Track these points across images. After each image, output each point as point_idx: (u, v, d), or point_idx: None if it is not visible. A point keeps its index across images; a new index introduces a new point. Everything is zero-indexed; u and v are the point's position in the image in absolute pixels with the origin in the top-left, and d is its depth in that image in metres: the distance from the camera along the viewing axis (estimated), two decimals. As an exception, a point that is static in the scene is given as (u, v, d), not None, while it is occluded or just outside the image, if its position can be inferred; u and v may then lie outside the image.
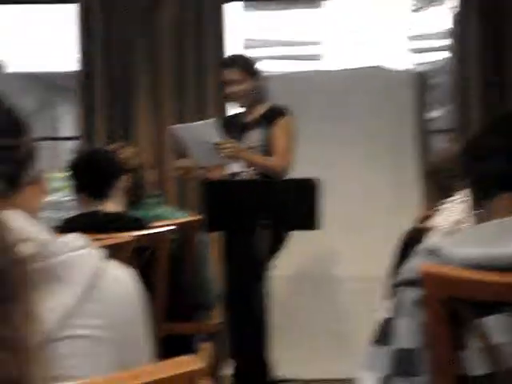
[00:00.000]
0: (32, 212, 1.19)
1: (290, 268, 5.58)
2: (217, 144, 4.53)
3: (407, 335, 1.57)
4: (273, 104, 4.90)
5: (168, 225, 3.32)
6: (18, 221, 1.12)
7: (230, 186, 4.64)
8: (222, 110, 5.60)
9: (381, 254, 5.31)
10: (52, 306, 1.04)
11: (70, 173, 3.38)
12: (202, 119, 5.57)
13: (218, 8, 5.61)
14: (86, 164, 3.33)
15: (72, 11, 5.64)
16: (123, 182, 3.39)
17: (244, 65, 4.77)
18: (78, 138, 5.77)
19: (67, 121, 12.04)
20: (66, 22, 5.88)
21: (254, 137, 4.79)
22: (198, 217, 3.94)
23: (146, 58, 5.57)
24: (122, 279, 1.17)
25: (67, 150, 10.13)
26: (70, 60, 5.73)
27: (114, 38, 5.57)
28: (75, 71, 5.66)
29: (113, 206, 3.31)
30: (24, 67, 9.15)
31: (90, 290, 1.09)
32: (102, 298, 1.11)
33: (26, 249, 1.06)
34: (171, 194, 5.57)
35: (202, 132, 4.53)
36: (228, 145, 4.51)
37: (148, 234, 3.11)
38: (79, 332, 1.07)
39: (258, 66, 4.86)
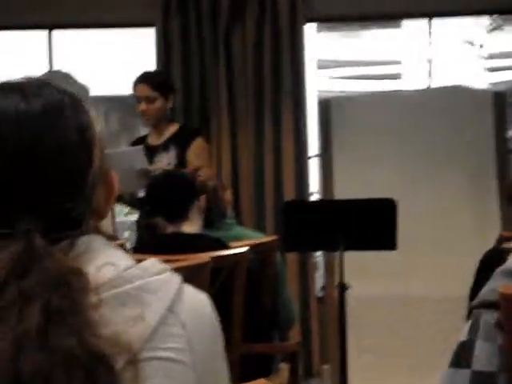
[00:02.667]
0: (103, 214, 1.21)
1: (367, 288, 5.54)
2: (143, 170, 4.40)
3: (485, 358, 1.54)
4: (183, 124, 4.85)
5: (246, 245, 3.33)
6: (98, 245, 1.14)
7: (309, 205, 4.65)
8: (298, 128, 5.60)
9: (460, 275, 5.26)
10: (132, 329, 1.06)
11: (148, 194, 3.42)
12: (278, 141, 5.60)
13: (295, 29, 5.62)
14: (164, 186, 3.36)
15: (151, 35, 5.72)
16: (200, 203, 3.41)
17: (156, 83, 4.69)
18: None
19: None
20: (146, 45, 5.97)
21: (166, 159, 4.67)
22: (274, 237, 3.94)
23: (224, 81, 5.61)
24: (199, 304, 1.19)
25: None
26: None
27: (192, 61, 5.63)
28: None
29: (190, 227, 3.34)
30: (106, 91, 9.32)
31: (170, 314, 1.11)
32: (181, 321, 1.12)
33: (106, 273, 1.08)
34: (248, 214, 5.59)
35: (129, 158, 4.42)
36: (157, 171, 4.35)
37: (226, 255, 3.13)
38: (160, 354, 1.08)
39: (172, 84, 4.82)
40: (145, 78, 4.69)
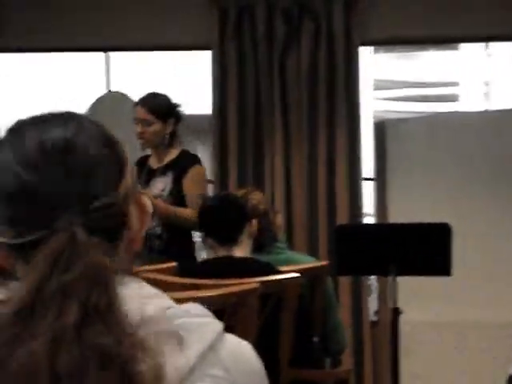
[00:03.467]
0: (138, 240, 1.21)
1: (421, 314, 5.48)
2: None
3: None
4: (183, 150, 4.76)
5: (297, 270, 3.32)
6: (138, 284, 1.15)
7: (361, 229, 4.64)
8: (353, 150, 5.58)
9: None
10: (172, 364, 1.06)
11: (200, 217, 3.43)
12: (333, 163, 5.58)
13: (350, 52, 5.61)
14: (216, 209, 3.38)
15: (208, 57, 5.76)
16: (251, 227, 3.42)
17: (154, 106, 4.62)
18: (212, 182, 5.86)
19: (206, 163, 12.27)
20: (202, 66, 6.01)
21: (161, 184, 4.62)
22: (325, 262, 3.92)
23: (279, 104, 5.62)
24: (242, 350, 1.18)
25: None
26: (205, 104, 5.85)
27: (247, 84, 5.65)
28: (210, 115, 5.77)
29: (240, 251, 3.35)
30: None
31: (210, 354, 1.10)
32: (223, 364, 1.12)
33: (146, 310, 1.09)
34: (301, 238, 5.58)
35: None
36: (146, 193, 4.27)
37: (276, 280, 3.12)
38: None
39: (176, 108, 4.70)
40: (143, 101, 4.65)
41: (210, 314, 1.15)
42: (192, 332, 1.09)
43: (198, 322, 1.11)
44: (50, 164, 1.10)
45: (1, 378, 0.96)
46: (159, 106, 4.63)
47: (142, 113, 4.60)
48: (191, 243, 4.70)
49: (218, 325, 1.14)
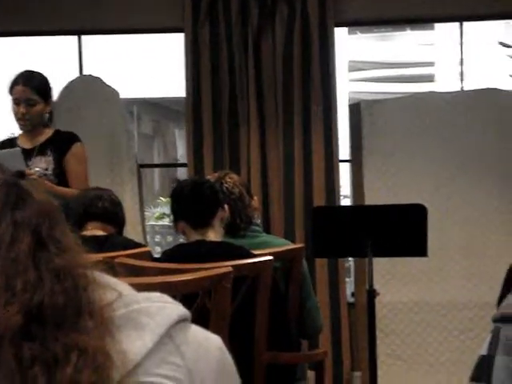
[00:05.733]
0: None
1: (398, 295, 5.49)
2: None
3: (505, 375, 1.50)
4: (57, 129, 4.66)
5: (270, 253, 3.30)
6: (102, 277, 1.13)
7: (338, 211, 4.63)
8: (328, 132, 5.57)
9: (491, 281, 5.20)
10: (126, 350, 1.03)
11: (173, 200, 3.41)
12: (308, 145, 5.57)
13: (325, 34, 5.58)
14: (189, 193, 3.35)
15: (180, 39, 5.72)
16: (225, 211, 3.40)
17: (37, 86, 4.49)
18: (186, 165, 5.83)
19: (180, 146, 12.23)
20: (175, 49, 5.97)
21: (44, 163, 4.51)
22: (299, 245, 3.90)
23: (254, 86, 5.59)
24: (207, 342, 1.15)
25: (180, 176, 10.29)
26: (180, 86, 5.81)
27: (221, 66, 5.62)
28: (184, 97, 5.74)
29: (213, 235, 3.33)
30: (137, 93, 9.37)
31: (167, 340, 1.08)
32: (179, 350, 1.09)
33: (107, 296, 1.07)
34: (277, 221, 5.57)
35: (7, 160, 4.06)
36: (34, 175, 4.16)
37: (249, 263, 3.10)
38: (152, 379, 1.05)
39: (52, 88, 4.60)
40: (25, 80, 4.48)
41: (172, 301, 1.12)
42: (151, 316, 1.07)
43: (157, 306, 1.09)
44: None
45: None
46: (42, 85, 4.51)
47: (26, 92, 4.44)
48: None
49: (179, 310, 1.11)
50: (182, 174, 9.74)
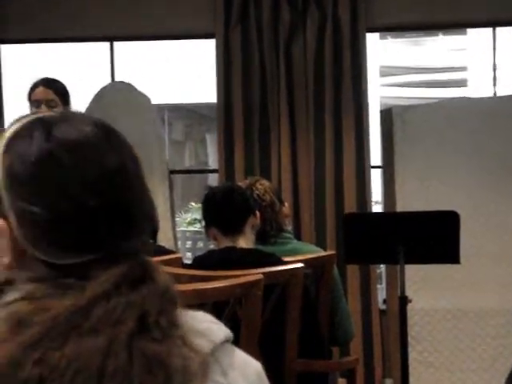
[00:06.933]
0: None
1: (431, 302, 5.45)
2: None
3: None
4: None
5: (301, 260, 3.29)
6: None
7: (369, 217, 4.60)
8: (360, 138, 5.55)
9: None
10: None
11: (204, 207, 3.40)
12: (340, 151, 5.54)
13: (357, 39, 5.56)
14: (220, 200, 3.34)
15: (212, 45, 5.73)
16: (256, 218, 3.39)
17: (58, 88, 4.50)
18: (217, 171, 5.83)
19: (211, 151, 12.25)
20: (207, 55, 5.98)
21: None
22: (330, 252, 3.88)
23: (285, 92, 5.57)
24: (249, 365, 1.18)
25: (211, 181, 10.30)
26: (212, 92, 5.81)
27: (252, 71, 5.61)
28: (216, 103, 5.74)
29: (244, 241, 3.32)
30: (169, 99, 9.40)
31: (214, 362, 1.11)
32: (222, 368, 1.12)
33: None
34: (308, 227, 5.54)
35: None
36: None
37: (280, 270, 3.09)
38: None
39: (70, 96, 4.58)
40: (46, 82, 4.50)
41: (216, 321, 1.16)
42: (199, 336, 1.10)
43: (204, 327, 1.12)
44: (112, 189, 1.11)
45: (46, 371, 0.98)
46: (62, 88, 4.53)
47: (47, 93, 4.45)
48: None
49: (225, 331, 1.15)
50: (213, 179, 9.76)
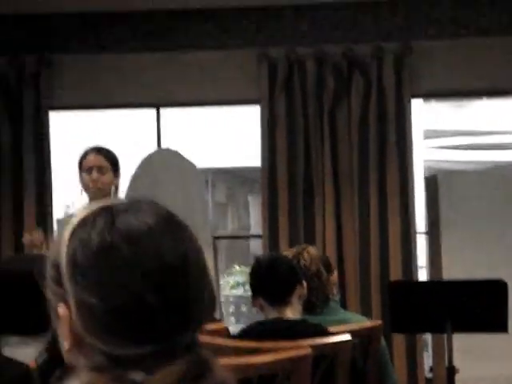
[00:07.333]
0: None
1: (479, 371, 5.36)
2: None
3: None
4: None
5: (348, 331, 3.26)
6: None
7: (415, 286, 4.56)
8: (405, 204, 5.52)
9: None
10: None
11: (251, 277, 3.40)
12: (384, 216, 5.52)
13: (401, 105, 5.58)
14: (267, 269, 3.34)
15: (257, 111, 5.78)
16: (302, 288, 3.37)
17: (109, 155, 4.53)
18: (261, 237, 5.83)
19: (255, 213, 12.28)
20: (252, 120, 6.03)
21: None
22: (378, 321, 3.84)
23: (329, 159, 5.59)
24: None
25: (254, 245, 10.30)
26: (254, 155, 5.86)
27: (296, 138, 5.65)
28: (258, 167, 5.78)
29: (291, 312, 3.29)
30: (211, 163, 9.48)
31: None
32: None
33: None
34: (353, 295, 5.50)
35: None
36: None
37: (329, 343, 3.06)
38: None
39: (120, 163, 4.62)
40: (97, 149, 4.56)
41: None
42: None
43: None
44: (172, 285, 1.12)
45: None
46: (113, 156, 4.58)
47: (98, 159, 4.50)
48: None
49: None
50: (256, 243, 9.77)
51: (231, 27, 5.79)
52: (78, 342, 1.13)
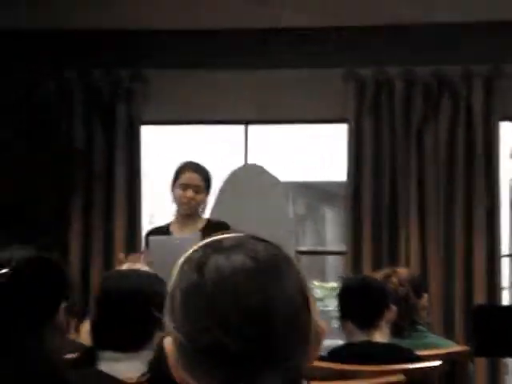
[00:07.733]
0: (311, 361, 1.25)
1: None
2: None
3: None
4: (209, 218, 4.72)
5: (437, 355, 3.26)
6: None
7: (500, 310, 4.53)
8: (491, 227, 5.49)
9: None
10: None
11: (339, 300, 3.41)
12: (470, 240, 5.48)
13: (491, 128, 5.55)
14: (356, 292, 3.35)
15: (343, 129, 5.83)
16: (391, 312, 3.37)
17: (206, 175, 4.61)
18: (343, 253, 5.86)
19: (333, 228, 12.29)
20: (338, 139, 6.08)
21: None
22: (465, 347, 3.83)
23: (415, 178, 5.59)
24: None
25: (333, 260, 10.31)
26: (340, 171, 5.90)
27: (383, 158, 5.66)
28: (340, 181, 5.83)
29: (380, 336, 3.29)
30: (295, 177, 9.56)
31: None
32: None
33: None
34: (437, 318, 5.47)
35: (185, 246, 3.99)
36: None
37: (420, 368, 3.07)
38: None
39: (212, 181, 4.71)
40: (197, 168, 4.65)
41: None
42: None
43: None
44: (250, 329, 1.12)
45: None
46: (209, 177, 4.68)
47: (196, 179, 4.59)
48: None
49: None
50: (334, 259, 9.79)
51: (321, 46, 5.83)
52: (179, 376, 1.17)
